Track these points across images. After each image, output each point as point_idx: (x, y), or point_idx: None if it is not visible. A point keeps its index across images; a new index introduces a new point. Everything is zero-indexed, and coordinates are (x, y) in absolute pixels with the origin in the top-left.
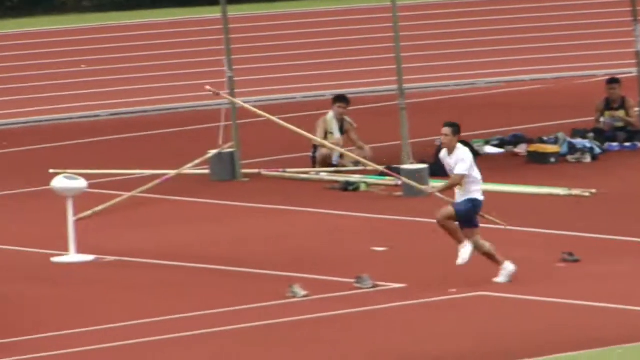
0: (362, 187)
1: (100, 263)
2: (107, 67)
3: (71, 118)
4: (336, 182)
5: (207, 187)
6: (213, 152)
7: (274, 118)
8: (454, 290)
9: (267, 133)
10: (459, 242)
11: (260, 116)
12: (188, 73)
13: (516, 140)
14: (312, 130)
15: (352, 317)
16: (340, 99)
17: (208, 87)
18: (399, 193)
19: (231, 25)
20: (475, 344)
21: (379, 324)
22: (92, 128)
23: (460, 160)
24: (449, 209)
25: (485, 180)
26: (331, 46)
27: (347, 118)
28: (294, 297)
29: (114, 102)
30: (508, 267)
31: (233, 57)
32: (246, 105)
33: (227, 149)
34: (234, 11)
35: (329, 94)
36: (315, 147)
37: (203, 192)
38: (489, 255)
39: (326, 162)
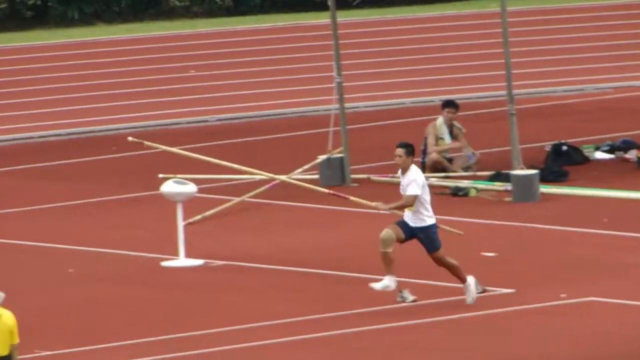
0: (472, 193)
1: (209, 267)
2: (216, 73)
3: (179, 123)
4: (446, 187)
5: (317, 192)
6: (322, 157)
7: (176, 150)
8: (564, 295)
9: (376, 139)
10: (462, 281)
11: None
12: (297, 79)
13: (626, 145)
14: (422, 136)
15: (461, 322)
16: (450, 104)
17: (130, 138)
18: (509, 199)
19: (340, 31)
20: (585, 349)
21: (488, 329)
22: (200, 133)
23: (412, 181)
24: (439, 254)
25: (596, 185)
26: (440, 52)
27: (456, 123)
28: (403, 301)
29: (223, 108)
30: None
31: (342, 62)
32: (161, 147)
33: (336, 154)
34: (343, 17)
35: (438, 99)
36: (424, 153)
37: (312, 197)
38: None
39: (436, 168)
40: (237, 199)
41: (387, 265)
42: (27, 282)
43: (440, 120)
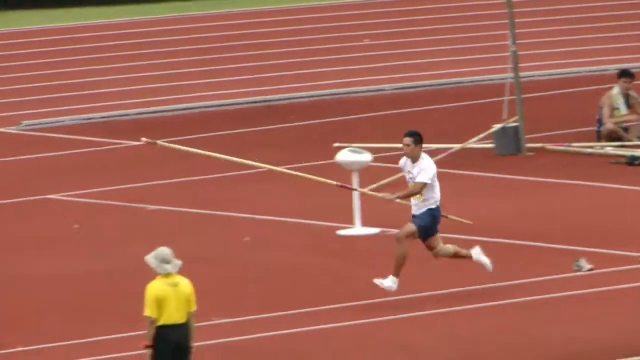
0: None
1: (385, 236)
2: (391, 42)
3: (356, 92)
4: (622, 156)
5: (492, 161)
6: (497, 126)
7: (186, 149)
8: None
9: (551, 108)
10: (394, 275)
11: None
12: (472, 47)
13: None
14: (597, 105)
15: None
16: (626, 74)
17: (144, 139)
18: None
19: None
20: None
21: None
22: (377, 102)
23: (423, 169)
24: (411, 227)
25: None
26: (615, 20)
27: (632, 93)
28: (579, 270)
29: (398, 77)
30: (476, 251)
31: (517, 31)
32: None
33: (511, 123)
34: None
35: (614, 68)
36: (600, 122)
37: (488, 166)
38: (458, 255)
39: (612, 137)
40: None
41: (459, 254)
42: (203, 251)
43: (616, 90)
